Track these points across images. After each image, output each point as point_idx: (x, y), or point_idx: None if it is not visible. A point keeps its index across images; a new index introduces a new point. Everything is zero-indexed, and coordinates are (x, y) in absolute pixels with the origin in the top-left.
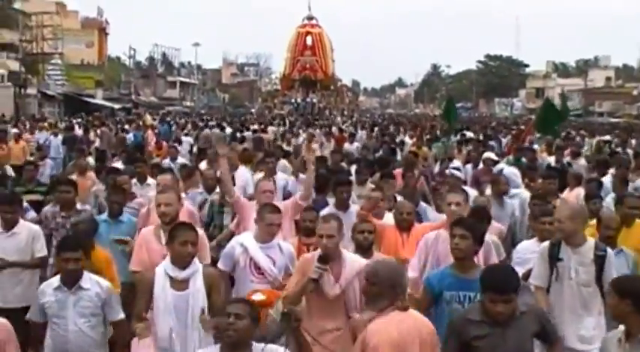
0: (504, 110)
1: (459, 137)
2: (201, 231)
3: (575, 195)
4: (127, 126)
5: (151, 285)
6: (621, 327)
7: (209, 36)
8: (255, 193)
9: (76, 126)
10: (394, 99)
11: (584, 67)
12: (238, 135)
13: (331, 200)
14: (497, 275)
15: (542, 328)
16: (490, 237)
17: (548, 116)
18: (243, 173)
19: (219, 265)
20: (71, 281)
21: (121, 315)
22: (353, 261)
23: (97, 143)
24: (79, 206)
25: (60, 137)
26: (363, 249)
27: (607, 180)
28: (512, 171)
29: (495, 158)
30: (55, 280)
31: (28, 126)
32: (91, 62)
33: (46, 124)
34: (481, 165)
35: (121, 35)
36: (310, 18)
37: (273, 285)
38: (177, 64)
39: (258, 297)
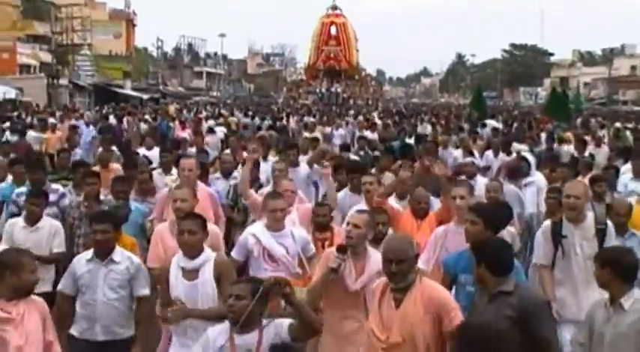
0: (529, 99)
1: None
2: (213, 226)
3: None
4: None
5: (167, 276)
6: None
7: (235, 26)
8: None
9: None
10: (419, 89)
11: (609, 56)
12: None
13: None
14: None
15: (520, 314)
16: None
17: (556, 103)
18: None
19: (233, 254)
20: (103, 254)
21: (146, 291)
22: (378, 258)
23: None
24: (102, 197)
25: (91, 127)
26: (377, 241)
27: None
28: (531, 159)
29: (525, 148)
30: (89, 252)
31: (58, 116)
32: (119, 53)
33: (77, 114)
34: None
35: (147, 26)
36: (334, 8)
37: (288, 272)
38: (203, 55)
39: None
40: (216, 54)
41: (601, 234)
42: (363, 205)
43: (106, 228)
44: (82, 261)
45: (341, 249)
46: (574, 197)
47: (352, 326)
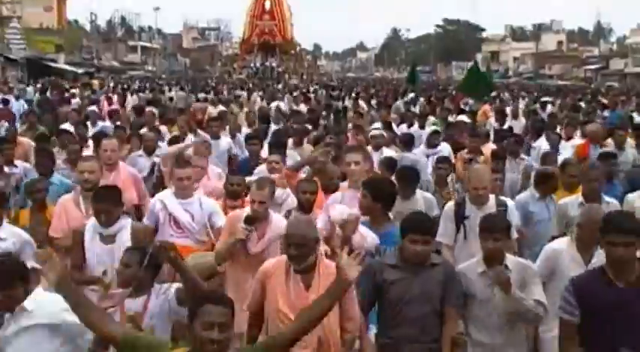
0: (461, 74)
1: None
2: (129, 198)
3: (487, 150)
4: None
5: (82, 239)
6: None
7: (169, 0)
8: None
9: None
10: (355, 63)
11: (538, 32)
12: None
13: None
14: (418, 218)
15: (445, 285)
16: (421, 193)
17: (473, 80)
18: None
19: (145, 220)
20: None
21: (31, 263)
22: (278, 222)
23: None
24: (6, 169)
25: (21, 101)
26: (304, 209)
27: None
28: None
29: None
30: None
31: None
32: (50, 26)
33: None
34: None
35: None
36: None
37: (193, 239)
38: (137, 29)
39: None
40: (150, 28)
41: (502, 214)
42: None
43: None
44: None
45: (249, 220)
46: (482, 188)
47: (250, 285)
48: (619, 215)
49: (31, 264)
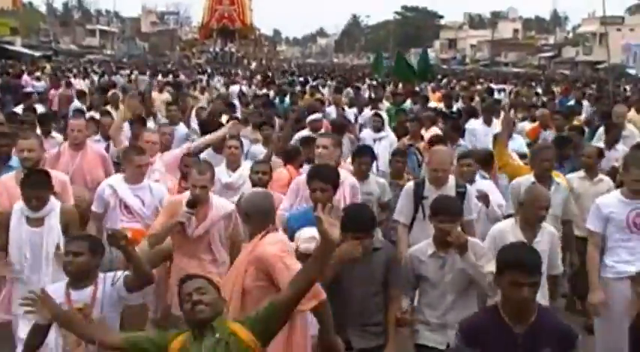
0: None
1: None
2: (64, 176)
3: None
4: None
5: (7, 221)
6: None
7: None
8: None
9: None
10: (315, 49)
11: (496, 19)
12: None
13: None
14: (355, 215)
15: (388, 268)
16: (374, 176)
17: (402, 67)
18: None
19: (92, 207)
20: None
21: None
22: (220, 205)
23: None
24: None
25: None
26: (259, 187)
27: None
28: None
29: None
30: None
31: None
32: (5, 8)
33: None
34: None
35: None
36: None
37: (144, 224)
38: (94, 12)
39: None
40: (108, 12)
41: (461, 196)
42: (223, 165)
43: None
44: None
45: (191, 204)
46: (441, 170)
47: (196, 269)
48: (522, 251)
49: None
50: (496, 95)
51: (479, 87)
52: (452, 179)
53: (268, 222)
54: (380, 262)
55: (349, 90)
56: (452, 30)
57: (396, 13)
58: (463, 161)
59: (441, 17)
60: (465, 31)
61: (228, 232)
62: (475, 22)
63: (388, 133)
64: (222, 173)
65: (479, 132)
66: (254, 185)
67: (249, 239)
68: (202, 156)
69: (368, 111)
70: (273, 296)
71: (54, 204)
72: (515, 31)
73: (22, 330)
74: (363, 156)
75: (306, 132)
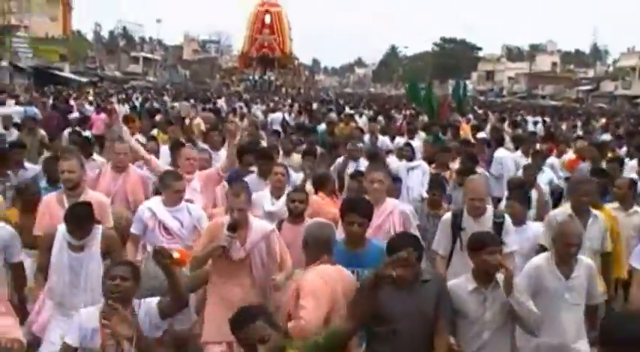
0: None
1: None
2: (104, 198)
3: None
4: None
5: (50, 243)
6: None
7: (171, 12)
8: (179, 159)
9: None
10: (353, 79)
11: (534, 52)
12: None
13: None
14: (400, 241)
15: (438, 301)
16: (407, 207)
17: (428, 103)
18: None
19: (131, 229)
20: None
21: (19, 258)
22: (259, 227)
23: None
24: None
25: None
26: (294, 216)
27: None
28: (416, 145)
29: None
30: None
31: None
32: (56, 36)
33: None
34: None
35: (84, 9)
36: None
37: (183, 244)
38: (138, 39)
39: (174, 255)
40: (151, 39)
41: (498, 227)
42: (267, 191)
43: None
44: None
45: (232, 227)
46: (478, 200)
47: (235, 291)
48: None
49: (16, 260)
50: (531, 127)
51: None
52: (489, 210)
53: (323, 252)
54: (430, 295)
55: (380, 118)
56: (490, 62)
57: (435, 44)
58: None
59: (479, 49)
60: (503, 63)
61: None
62: (513, 54)
63: (420, 163)
64: (265, 200)
65: (506, 161)
66: (290, 214)
67: (305, 266)
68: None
69: (399, 140)
70: (336, 324)
71: (96, 229)
72: (554, 63)
73: None
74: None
75: (341, 160)
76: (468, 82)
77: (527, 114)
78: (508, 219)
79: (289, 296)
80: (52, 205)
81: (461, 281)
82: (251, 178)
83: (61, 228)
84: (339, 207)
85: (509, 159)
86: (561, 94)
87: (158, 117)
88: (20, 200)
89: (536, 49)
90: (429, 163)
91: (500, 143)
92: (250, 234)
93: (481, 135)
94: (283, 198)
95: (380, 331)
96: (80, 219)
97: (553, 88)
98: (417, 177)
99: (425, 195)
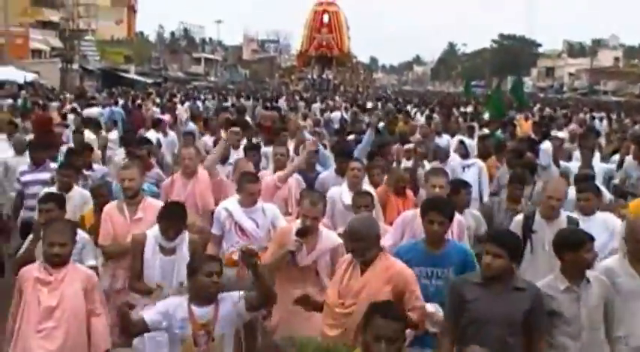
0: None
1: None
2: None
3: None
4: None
5: (142, 248)
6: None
7: (231, 13)
8: (235, 172)
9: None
10: (411, 77)
11: (596, 47)
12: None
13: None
14: (498, 230)
15: (532, 309)
16: (473, 211)
17: (497, 101)
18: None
19: (212, 230)
20: None
21: (93, 262)
22: (328, 237)
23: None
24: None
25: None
26: None
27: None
28: (470, 143)
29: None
30: None
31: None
32: (121, 38)
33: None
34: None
35: (147, 12)
36: None
37: (258, 245)
38: (199, 41)
39: (237, 256)
40: (211, 40)
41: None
42: (345, 187)
43: (50, 207)
44: None
45: (301, 233)
46: (556, 199)
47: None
48: None
49: (90, 263)
50: (597, 123)
51: (581, 115)
52: (563, 215)
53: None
54: (522, 303)
55: (435, 116)
56: (549, 58)
57: (493, 41)
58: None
59: (539, 45)
60: (564, 59)
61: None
62: (575, 50)
63: (475, 160)
64: (345, 194)
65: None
66: None
67: (360, 263)
68: (323, 177)
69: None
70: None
71: (185, 233)
72: (616, 59)
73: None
74: (464, 188)
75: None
76: (527, 78)
77: (591, 111)
78: (582, 224)
79: (375, 286)
80: (113, 214)
81: (550, 281)
82: (329, 175)
83: (151, 232)
84: (420, 206)
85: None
86: (624, 90)
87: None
88: (94, 201)
89: (598, 44)
90: (484, 160)
91: (547, 136)
92: (320, 241)
93: (561, 134)
94: None
95: (468, 333)
96: (174, 216)
97: (615, 84)
98: (472, 175)
99: (486, 197)
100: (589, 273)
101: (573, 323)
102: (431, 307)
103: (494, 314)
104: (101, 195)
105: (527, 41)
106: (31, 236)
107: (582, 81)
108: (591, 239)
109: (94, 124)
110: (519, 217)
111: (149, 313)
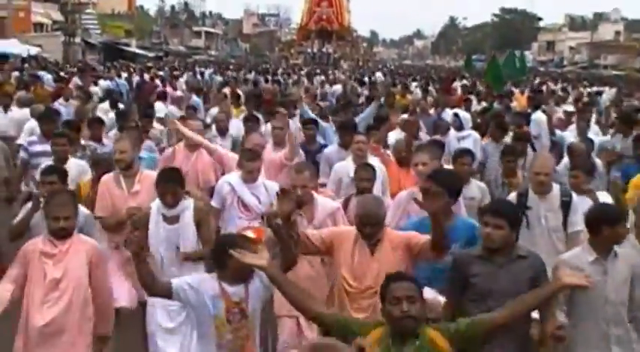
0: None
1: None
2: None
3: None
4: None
5: (147, 221)
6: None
7: None
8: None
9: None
10: (412, 51)
11: (598, 21)
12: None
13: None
14: (496, 200)
15: (536, 277)
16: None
17: (493, 71)
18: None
19: (212, 202)
20: None
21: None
22: (325, 204)
23: None
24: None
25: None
26: (362, 194)
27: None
28: (464, 115)
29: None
30: None
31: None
32: (121, 12)
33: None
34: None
35: None
36: None
37: (260, 220)
38: (199, 14)
39: (249, 234)
40: (211, 13)
41: (566, 205)
42: (349, 161)
43: (53, 180)
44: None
45: (297, 205)
46: (544, 174)
47: (305, 269)
48: None
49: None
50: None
51: (581, 89)
52: (556, 188)
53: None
54: (525, 272)
55: (431, 89)
56: (550, 32)
57: (494, 15)
58: (460, 160)
59: (540, 19)
60: (564, 33)
61: None
62: (576, 23)
63: (470, 132)
64: (350, 168)
65: (543, 121)
66: (359, 191)
67: (369, 243)
68: (327, 152)
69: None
70: (482, 315)
71: (188, 202)
72: (617, 33)
73: (161, 317)
74: (464, 156)
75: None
76: (528, 52)
77: (592, 86)
78: (575, 197)
79: (390, 256)
80: (111, 186)
81: (577, 253)
82: (333, 149)
83: (154, 204)
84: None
85: (544, 120)
86: (624, 64)
87: (227, 90)
88: (96, 170)
89: (600, 18)
90: (480, 133)
91: (539, 106)
92: (317, 211)
93: (567, 107)
94: None
95: (473, 307)
96: (170, 180)
97: (616, 58)
98: (468, 147)
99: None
100: (616, 248)
101: (600, 297)
102: (429, 293)
103: (500, 286)
104: (104, 166)
105: (529, 15)
106: (28, 204)
107: (582, 55)
108: (624, 214)
109: (111, 99)
110: (513, 194)
111: (178, 281)
